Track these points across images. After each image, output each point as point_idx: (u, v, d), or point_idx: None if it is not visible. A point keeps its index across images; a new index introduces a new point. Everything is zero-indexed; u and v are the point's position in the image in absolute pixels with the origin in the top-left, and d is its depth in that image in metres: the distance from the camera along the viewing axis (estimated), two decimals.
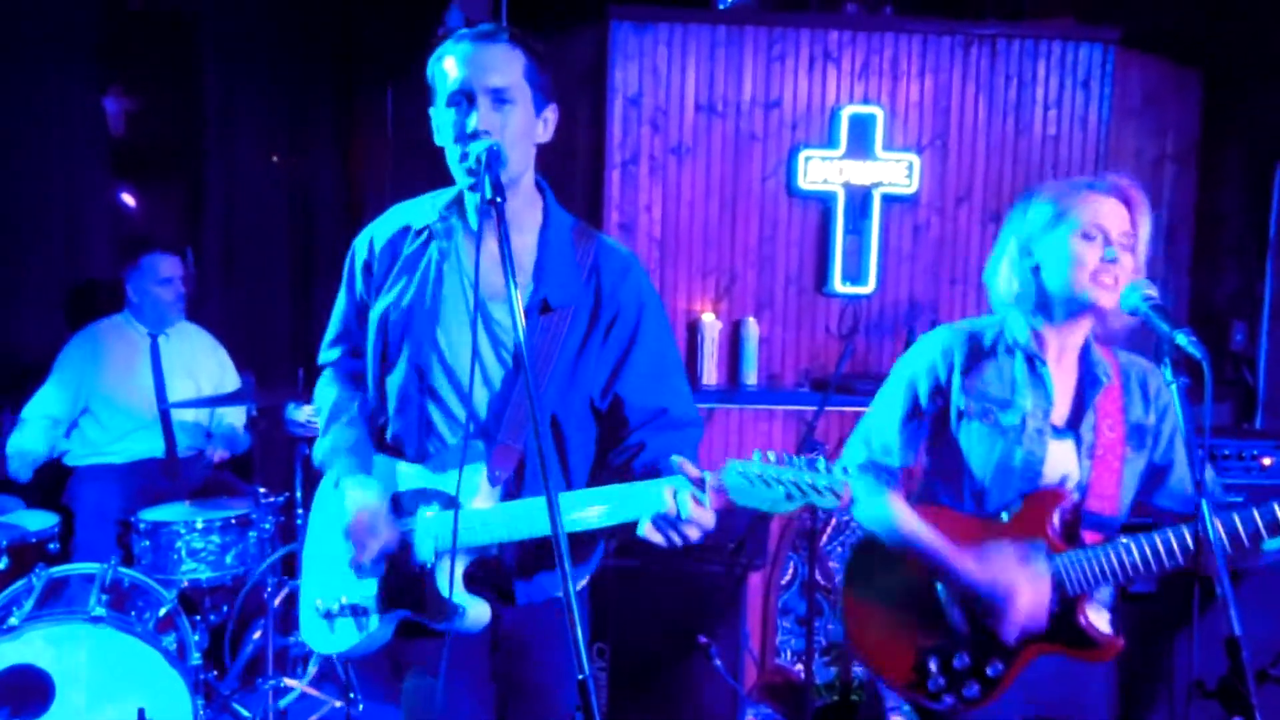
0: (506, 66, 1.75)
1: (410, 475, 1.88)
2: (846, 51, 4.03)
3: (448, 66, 1.77)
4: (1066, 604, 1.98)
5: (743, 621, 3.32)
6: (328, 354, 2.08)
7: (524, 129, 1.78)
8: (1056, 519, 2.01)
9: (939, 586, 2.06)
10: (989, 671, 2.01)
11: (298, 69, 4.95)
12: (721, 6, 4.09)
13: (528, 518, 1.74)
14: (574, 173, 4.13)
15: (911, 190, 4.05)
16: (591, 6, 4.00)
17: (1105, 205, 1.97)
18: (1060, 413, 2.06)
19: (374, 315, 1.90)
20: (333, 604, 1.89)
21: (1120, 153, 4.28)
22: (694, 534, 1.65)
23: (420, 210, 1.92)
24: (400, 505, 1.86)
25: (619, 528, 1.70)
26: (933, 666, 2.06)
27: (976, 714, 2.03)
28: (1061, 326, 2.04)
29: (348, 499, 1.83)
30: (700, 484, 1.62)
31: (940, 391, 2.09)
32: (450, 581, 1.75)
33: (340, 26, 4.99)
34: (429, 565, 1.81)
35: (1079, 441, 2.04)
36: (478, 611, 1.81)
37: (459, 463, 1.78)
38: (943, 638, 2.06)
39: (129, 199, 4.82)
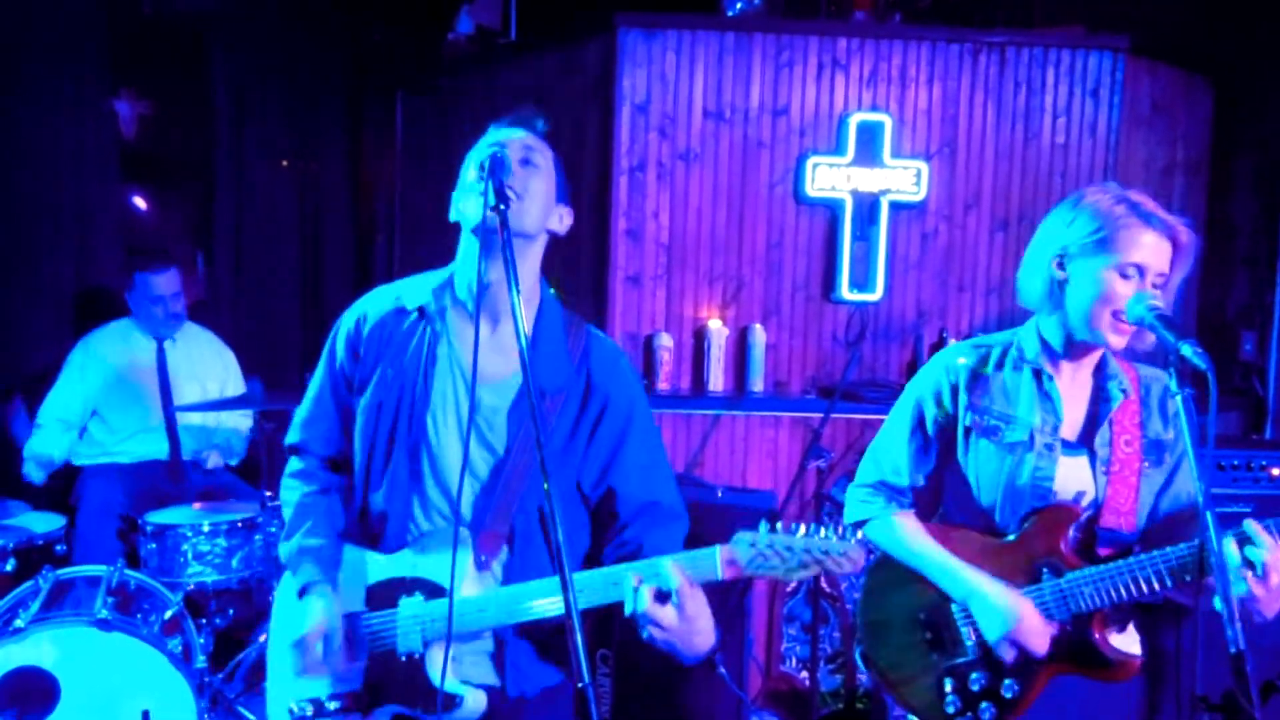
0: (538, 145, 1.85)
1: (385, 565, 1.85)
2: (855, 59, 4.03)
3: (483, 140, 1.85)
4: (1080, 622, 1.95)
5: (748, 629, 3.31)
6: (296, 434, 2.02)
7: (544, 195, 1.82)
8: (1071, 535, 1.99)
9: (954, 605, 2.05)
10: (1005, 693, 1.98)
11: (308, 75, 4.98)
12: (730, 13, 4.10)
13: (522, 600, 1.73)
14: (582, 180, 4.13)
15: (919, 197, 4.04)
16: (600, 14, 4.00)
17: (1153, 243, 1.89)
18: (1071, 428, 2.03)
19: (365, 400, 1.88)
20: (307, 707, 1.83)
21: (1130, 161, 4.25)
22: (657, 635, 1.62)
23: (413, 289, 1.91)
24: (376, 597, 1.84)
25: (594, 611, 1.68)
26: (948, 687, 2.04)
27: None
28: (1075, 345, 2.01)
29: (309, 610, 1.81)
30: (663, 587, 1.61)
31: (945, 409, 2.08)
32: (444, 670, 1.72)
33: (350, 34, 5.02)
34: (418, 655, 1.78)
35: (1093, 457, 2.01)
36: (475, 700, 1.77)
37: (450, 548, 1.75)
38: (958, 658, 2.04)
39: (140, 203, 4.85)
